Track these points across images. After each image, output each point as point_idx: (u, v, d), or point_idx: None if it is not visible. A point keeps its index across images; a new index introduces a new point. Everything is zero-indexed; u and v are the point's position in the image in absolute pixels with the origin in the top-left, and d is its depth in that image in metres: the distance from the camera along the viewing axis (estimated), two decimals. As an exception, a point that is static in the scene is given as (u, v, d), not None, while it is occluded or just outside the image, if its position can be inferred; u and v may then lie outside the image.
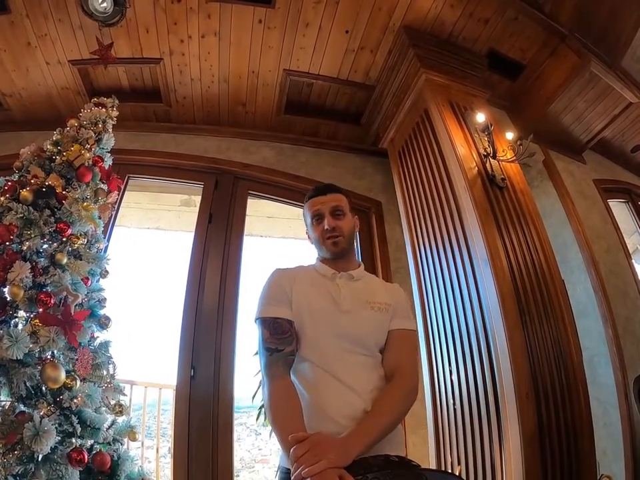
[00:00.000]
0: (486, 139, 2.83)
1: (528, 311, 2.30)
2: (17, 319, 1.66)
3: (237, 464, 5.17)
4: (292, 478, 1.06)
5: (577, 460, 2.08)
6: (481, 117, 2.83)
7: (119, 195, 2.62)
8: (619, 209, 4.37)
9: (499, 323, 2.25)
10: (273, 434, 1.30)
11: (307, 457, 1.06)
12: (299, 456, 1.07)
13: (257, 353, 1.44)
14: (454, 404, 2.52)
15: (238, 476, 5.29)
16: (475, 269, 2.49)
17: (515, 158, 2.82)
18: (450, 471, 2.45)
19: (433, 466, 2.61)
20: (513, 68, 3.55)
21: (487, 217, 2.51)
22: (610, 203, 4.11)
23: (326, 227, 1.56)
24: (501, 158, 2.81)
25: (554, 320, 2.35)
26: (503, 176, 2.73)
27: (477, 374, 2.38)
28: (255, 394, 3.67)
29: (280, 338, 1.38)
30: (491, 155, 2.78)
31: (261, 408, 3.73)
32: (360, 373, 1.38)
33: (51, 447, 1.42)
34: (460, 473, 2.36)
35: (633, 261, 3.91)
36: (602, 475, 2.15)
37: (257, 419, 3.88)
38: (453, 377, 2.57)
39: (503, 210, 2.60)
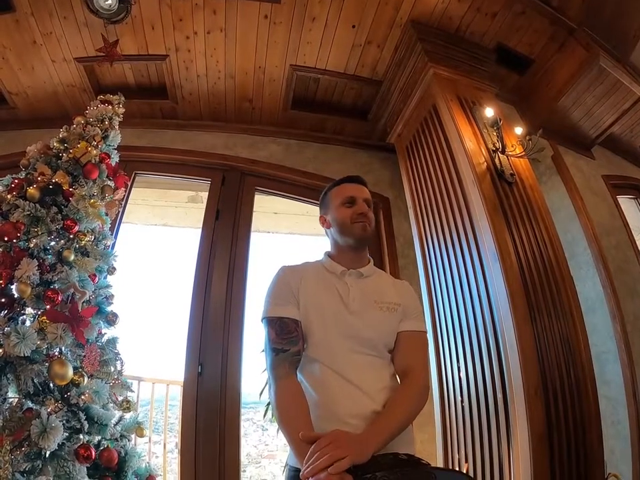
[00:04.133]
0: (495, 133, 2.81)
1: (537, 307, 2.29)
2: (24, 316, 1.66)
3: (243, 459, 5.18)
4: (310, 468, 1.05)
5: (585, 458, 2.07)
6: (489, 112, 2.81)
7: (125, 191, 2.62)
8: (628, 205, 4.33)
9: (508, 319, 2.23)
10: (280, 431, 1.30)
11: (330, 448, 1.06)
12: (323, 446, 1.07)
13: (263, 350, 1.43)
14: (462, 401, 2.52)
15: (245, 471, 5.31)
16: (483, 264, 2.48)
17: (524, 153, 2.80)
18: (457, 468, 2.45)
19: (440, 463, 2.60)
20: (521, 62, 3.52)
21: (496, 213, 2.50)
22: (619, 200, 4.07)
23: (360, 210, 1.55)
24: (510, 153, 2.79)
25: (563, 316, 2.33)
26: (511, 171, 2.71)
27: (485, 371, 2.37)
28: (263, 390, 3.67)
29: (286, 338, 1.37)
30: (500, 150, 2.76)
31: (268, 404, 3.73)
32: (369, 373, 1.37)
33: (59, 444, 1.42)
34: (467, 471, 2.35)
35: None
36: (609, 473, 2.14)
37: (264, 415, 3.88)
38: (461, 374, 2.56)
39: (512, 205, 2.58)
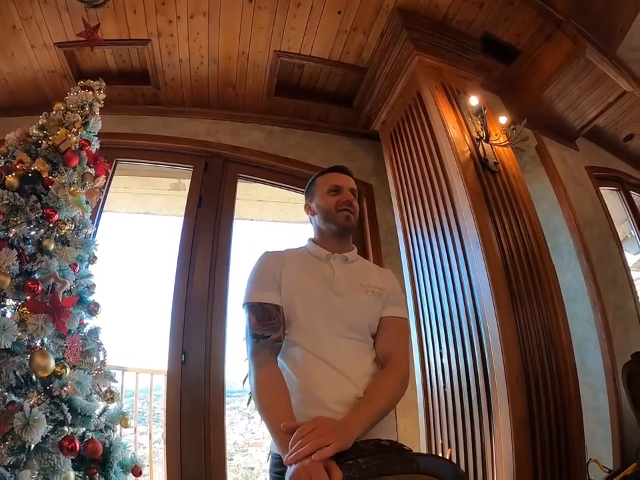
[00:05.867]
0: (479, 122, 2.82)
1: (519, 295, 2.32)
2: (4, 308, 1.64)
3: (230, 448, 5.22)
4: (294, 454, 1.03)
5: (566, 443, 2.12)
6: (474, 101, 2.81)
7: (106, 179, 2.58)
8: (611, 197, 4.40)
9: (490, 307, 2.26)
10: (261, 419, 1.30)
11: (314, 434, 1.05)
12: (306, 432, 1.06)
13: (245, 338, 1.42)
14: (444, 387, 2.55)
15: (232, 459, 5.34)
16: (466, 252, 2.50)
17: (507, 142, 2.81)
18: (440, 453, 2.48)
19: (423, 449, 2.64)
20: (508, 52, 3.52)
21: (479, 201, 2.51)
22: (602, 191, 4.13)
23: (346, 198, 1.57)
24: (494, 142, 2.80)
25: (544, 304, 2.37)
26: (495, 160, 2.73)
27: (467, 357, 2.40)
28: (245, 379, 3.67)
29: (267, 324, 1.36)
30: (484, 138, 2.77)
31: (251, 392, 3.73)
32: (352, 358, 1.37)
33: (42, 436, 1.42)
34: (450, 456, 2.39)
35: (623, 248, 3.94)
36: (590, 459, 2.18)
37: (248, 403, 3.88)
38: (443, 360, 2.58)
39: (495, 194, 2.60)
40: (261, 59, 3.50)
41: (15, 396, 1.50)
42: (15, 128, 2.18)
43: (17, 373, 1.52)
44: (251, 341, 1.36)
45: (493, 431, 2.17)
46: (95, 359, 1.89)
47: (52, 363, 1.56)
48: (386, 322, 1.49)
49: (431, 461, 1.12)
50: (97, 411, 1.77)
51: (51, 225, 1.87)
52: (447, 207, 2.69)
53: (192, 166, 3.67)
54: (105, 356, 1.96)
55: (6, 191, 1.78)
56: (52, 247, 1.81)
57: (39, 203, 1.86)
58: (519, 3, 3.10)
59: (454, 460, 2.36)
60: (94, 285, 2.10)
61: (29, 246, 1.80)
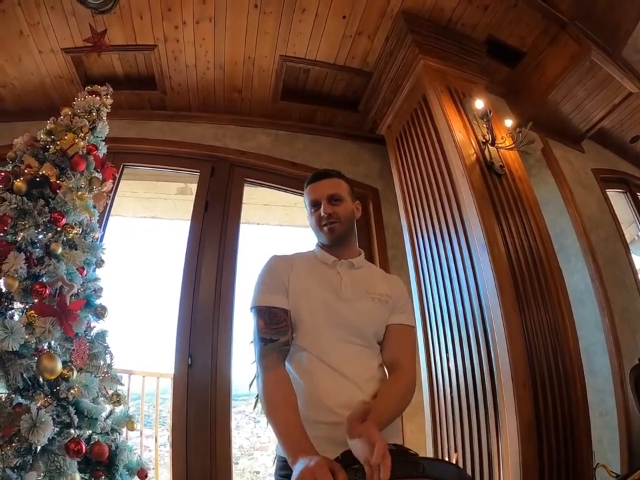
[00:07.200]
0: (484, 125, 2.81)
1: (525, 298, 2.30)
2: (12, 311, 1.65)
3: (236, 451, 5.21)
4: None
5: (574, 448, 2.10)
6: (479, 104, 2.81)
7: (113, 183, 2.60)
8: (617, 199, 4.37)
9: (497, 310, 2.25)
10: (268, 422, 1.30)
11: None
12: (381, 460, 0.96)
13: (252, 341, 1.42)
14: (451, 391, 2.53)
15: (237, 463, 5.33)
16: (472, 255, 2.49)
17: (513, 145, 2.80)
18: (447, 458, 2.47)
19: (429, 454, 2.62)
20: (512, 55, 3.51)
21: (485, 204, 2.50)
22: (608, 193, 4.10)
23: (322, 213, 1.53)
24: (500, 145, 2.80)
25: (551, 308, 2.35)
26: (501, 163, 2.72)
27: (474, 361, 2.38)
28: (252, 382, 3.67)
29: (275, 328, 1.36)
30: (490, 141, 2.76)
31: (257, 396, 3.73)
32: (357, 363, 1.37)
33: (49, 438, 1.42)
34: (457, 461, 2.37)
35: (631, 250, 3.92)
36: (597, 463, 2.16)
37: (254, 407, 3.87)
38: (450, 365, 2.57)
39: (501, 197, 2.59)
40: (267, 64, 3.51)
41: (22, 398, 1.51)
42: (23, 133, 2.20)
43: (24, 375, 1.53)
44: (258, 344, 1.36)
45: (499, 436, 2.16)
46: (101, 362, 1.90)
47: (59, 366, 1.57)
48: (392, 329, 1.48)
49: (436, 465, 1.12)
50: (104, 414, 1.77)
51: (58, 229, 1.89)
52: (453, 211, 2.68)
53: (198, 170, 3.69)
54: (111, 359, 1.97)
55: (14, 195, 1.80)
56: (59, 250, 1.82)
57: (46, 207, 1.88)
58: (523, 5, 3.10)
59: (460, 464, 2.34)
60: (101, 289, 2.11)
61: (37, 249, 1.81)
